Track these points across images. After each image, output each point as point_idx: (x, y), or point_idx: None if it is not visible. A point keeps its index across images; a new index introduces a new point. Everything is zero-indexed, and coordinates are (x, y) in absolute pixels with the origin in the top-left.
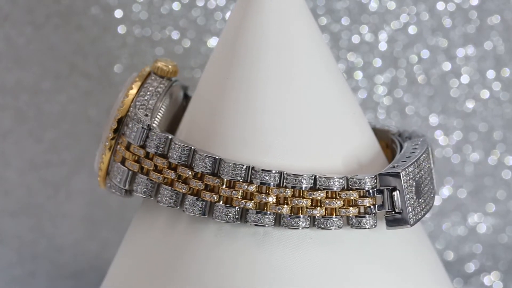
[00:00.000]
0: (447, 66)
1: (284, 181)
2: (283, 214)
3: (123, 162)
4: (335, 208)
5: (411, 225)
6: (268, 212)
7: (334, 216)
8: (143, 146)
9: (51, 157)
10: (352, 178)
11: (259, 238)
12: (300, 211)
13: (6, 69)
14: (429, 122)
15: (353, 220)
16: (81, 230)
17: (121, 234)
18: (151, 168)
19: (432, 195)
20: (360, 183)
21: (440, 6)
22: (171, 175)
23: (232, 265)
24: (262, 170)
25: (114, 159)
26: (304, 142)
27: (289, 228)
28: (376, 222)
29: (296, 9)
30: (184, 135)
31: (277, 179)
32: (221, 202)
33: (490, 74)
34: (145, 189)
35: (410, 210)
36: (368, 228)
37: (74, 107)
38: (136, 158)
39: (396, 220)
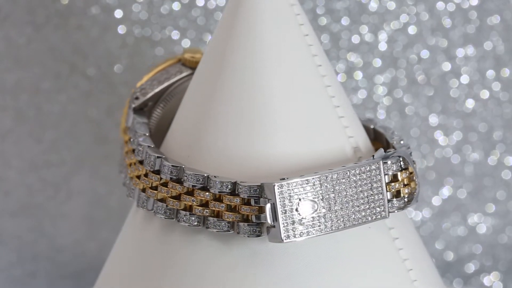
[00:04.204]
0: (447, 66)
1: (182, 178)
2: (181, 210)
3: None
4: (220, 211)
5: (284, 242)
6: (166, 205)
7: (220, 219)
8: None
9: (51, 157)
10: (239, 184)
11: (166, 231)
12: (191, 209)
13: (6, 69)
14: (429, 122)
15: (239, 226)
16: (81, 230)
17: None
18: (128, 150)
19: (351, 218)
20: (243, 189)
21: (440, 6)
22: (131, 157)
23: (144, 255)
24: (171, 166)
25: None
26: (292, 148)
27: (187, 224)
28: (257, 232)
29: (286, 11)
30: (172, 129)
31: (174, 173)
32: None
33: (490, 74)
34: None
35: (285, 225)
36: (248, 236)
37: (74, 107)
38: (127, 139)
39: (272, 233)
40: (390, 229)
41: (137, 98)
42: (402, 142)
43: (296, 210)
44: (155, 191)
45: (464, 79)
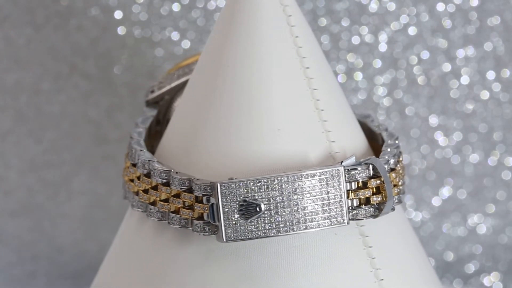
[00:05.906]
0: (447, 67)
1: (151, 173)
2: (149, 205)
3: None
4: (180, 207)
5: (225, 242)
6: (138, 199)
7: (177, 215)
8: None
9: (51, 157)
10: (193, 182)
11: (140, 224)
12: (155, 204)
13: (6, 69)
14: (429, 123)
15: (193, 223)
16: (81, 230)
17: None
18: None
19: (301, 223)
20: (196, 187)
21: (440, 7)
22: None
23: (124, 249)
24: (145, 161)
25: None
26: (286, 149)
27: (155, 219)
28: (209, 231)
29: (278, 13)
30: (169, 129)
31: (146, 167)
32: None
33: (490, 75)
34: None
35: (227, 225)
36: (203, 234)
37: (74, 107)
38: None
39: (218, 233)
40: (365, 237)
41: (152, 91)
42: (396, 150)
43: (240, 210)
44: (132, 184)
45: (464, 79)
